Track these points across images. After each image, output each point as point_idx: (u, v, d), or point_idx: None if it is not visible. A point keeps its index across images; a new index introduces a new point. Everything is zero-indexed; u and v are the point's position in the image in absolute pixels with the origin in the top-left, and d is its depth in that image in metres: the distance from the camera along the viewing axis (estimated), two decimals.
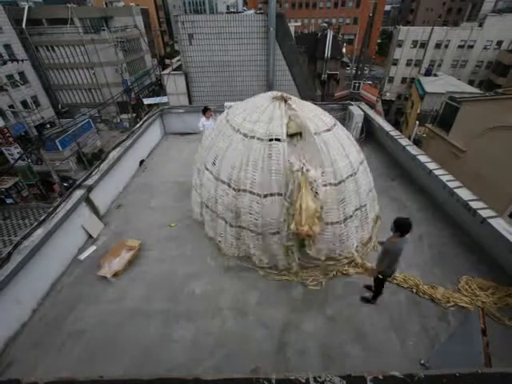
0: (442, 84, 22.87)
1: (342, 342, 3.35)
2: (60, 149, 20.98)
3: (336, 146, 4.01)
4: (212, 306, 3.78)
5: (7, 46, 24.87)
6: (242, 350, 3.28)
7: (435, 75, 26.85)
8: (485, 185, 8.51)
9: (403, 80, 36.48)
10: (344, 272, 4.19)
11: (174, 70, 13.17)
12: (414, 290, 3.88)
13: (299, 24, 31.95)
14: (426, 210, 5.37)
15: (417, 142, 15.49)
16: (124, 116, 30.68)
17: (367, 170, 4.60)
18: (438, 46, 34.11)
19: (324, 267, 4.21)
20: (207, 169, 4.43)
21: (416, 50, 34.59)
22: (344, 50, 25.77)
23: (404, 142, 6.62)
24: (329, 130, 4.09)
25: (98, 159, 6.16)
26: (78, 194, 4.80)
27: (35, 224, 4.11)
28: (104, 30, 28.25)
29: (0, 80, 21.62)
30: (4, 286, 3.33)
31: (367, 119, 8.18)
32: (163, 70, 15.33)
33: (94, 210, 5.21)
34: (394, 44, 36.33)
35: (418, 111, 21.34)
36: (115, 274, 4.18)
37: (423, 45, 32.84)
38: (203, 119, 6.66)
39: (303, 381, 1.36)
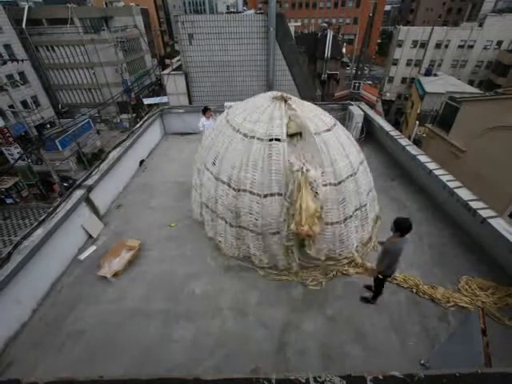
0: (441, 84, 22.85)
1: (342, 341, 3.35)
2: (60, 149, 20.97)
3: (336, 146, 4.01)
4: (212, 306, 3.78)
5: (7, 46, 24.87)
6: (241, 350, 3.28)
7: (435, 75, 26.83)
8: (485, 185, 8.51)
9: (403, 80, 36.47)
10: (344, 272, 4.19)
11: (173, 69, 13.17)
12: (414, 290, 3.88)
13: (299, 24, 31.93)
14: (425, 210, 5.37)
15: (417, 142, 15.47)
16: (124, 116, 30.67)
17: (367, 170, 4.60)
18: (438, 45, 34.10)
19: (324, 267, 4.21)
20: (207, 169, 4.43)
21: (416, 50, 34.58)
22: (344, 49, 25.78)
23: (404, 141, 6.62)
24: (329, 130, 4.09)
25: (98, 159, 6.16)
26: (78, 194, 4.80)
27: (35, 224, 4.11)
28: (104, 29, 28.26)
29: (0, 80, 21.61)
30: (4, 286, 3.33)
31: (367, 119, 8.18)
32: (163, 69, 15.33)
33: (94, 210, 5.21)
34: (394, 44, 36.33)
35: (418, 111, 21.33)
36: (115, 274, 4.18)
37: (423, 45, 32.83)
38: (203, 119, 6.66)
39: (303, 381, 1.36)
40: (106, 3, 35.42)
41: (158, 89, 30.52)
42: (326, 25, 22.18)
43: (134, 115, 29.88)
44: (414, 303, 3.74)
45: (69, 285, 4.13)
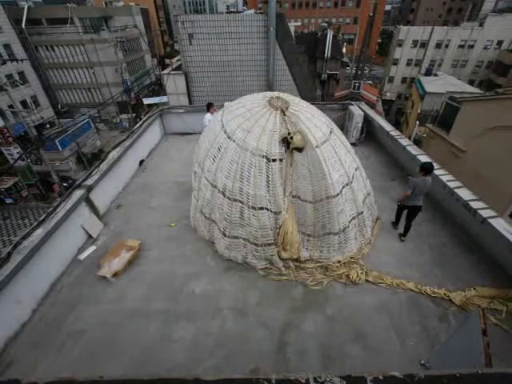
0: (442, 84, 22.85)
1: (342, 341, 3.34)
2: (60, 149, 20.97)
3: (333, 158, 3.96)
4: (212, 306, 3.78)
5: (7, 46, 24.89)
6: (242, 350, 3.27)
7: (435, 75, 26.82)
8: (485, 185, 8.50)
9: (403, 80, 36.49)
10: (346, 274, 4.17)
11: (173, 69, 13.17)
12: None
13: (299, 24, 31.98)
14: (426, 210, 5.34)
15: (417, 142, 15.48)
16: (124, 116, 30.67)
17: (363, 176, 4.60)
18: (438, 45, 34.14)
19: (324, 270, 4.22)
20: (205, 177, 4.42)
21: (416, 50, 34.60)
22: (344, 49, 25.75)
23: (404, 141, 6.62)
24: (326, 142, 3.97)
25: (98, 159, 6.15)
26: (78, 194, 4.79)
27: (35, 224, 4.10)
28: (104, 29, 28.25)
29: (0, 80, 21.62)
30: (4, 286, 3.33)
31: (367, 119, 8.17)
32: (163, 69, 15.33)
33: (94, 210, 5.21)
34: (394, 44, 36.34)
35: (419, 111, 21.32)
36: (115, 274, 4.17)
37: (423, 44, 32.84)
38: (208, 115, 6.88)
39: (303, 381, 1.35)
40: (105, 3, 35.42)
41: (158, 89, 30.58)
42: (326, 24, 22.16)
43: (134, 115, 29.87)
44: (414, 303, 3.74)
45: (69, 285, 4.12)
